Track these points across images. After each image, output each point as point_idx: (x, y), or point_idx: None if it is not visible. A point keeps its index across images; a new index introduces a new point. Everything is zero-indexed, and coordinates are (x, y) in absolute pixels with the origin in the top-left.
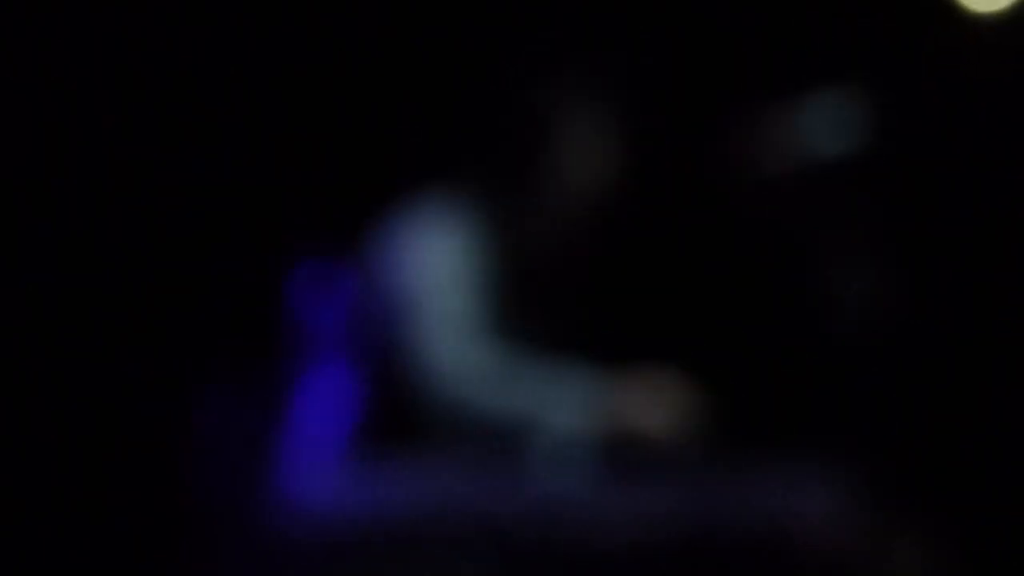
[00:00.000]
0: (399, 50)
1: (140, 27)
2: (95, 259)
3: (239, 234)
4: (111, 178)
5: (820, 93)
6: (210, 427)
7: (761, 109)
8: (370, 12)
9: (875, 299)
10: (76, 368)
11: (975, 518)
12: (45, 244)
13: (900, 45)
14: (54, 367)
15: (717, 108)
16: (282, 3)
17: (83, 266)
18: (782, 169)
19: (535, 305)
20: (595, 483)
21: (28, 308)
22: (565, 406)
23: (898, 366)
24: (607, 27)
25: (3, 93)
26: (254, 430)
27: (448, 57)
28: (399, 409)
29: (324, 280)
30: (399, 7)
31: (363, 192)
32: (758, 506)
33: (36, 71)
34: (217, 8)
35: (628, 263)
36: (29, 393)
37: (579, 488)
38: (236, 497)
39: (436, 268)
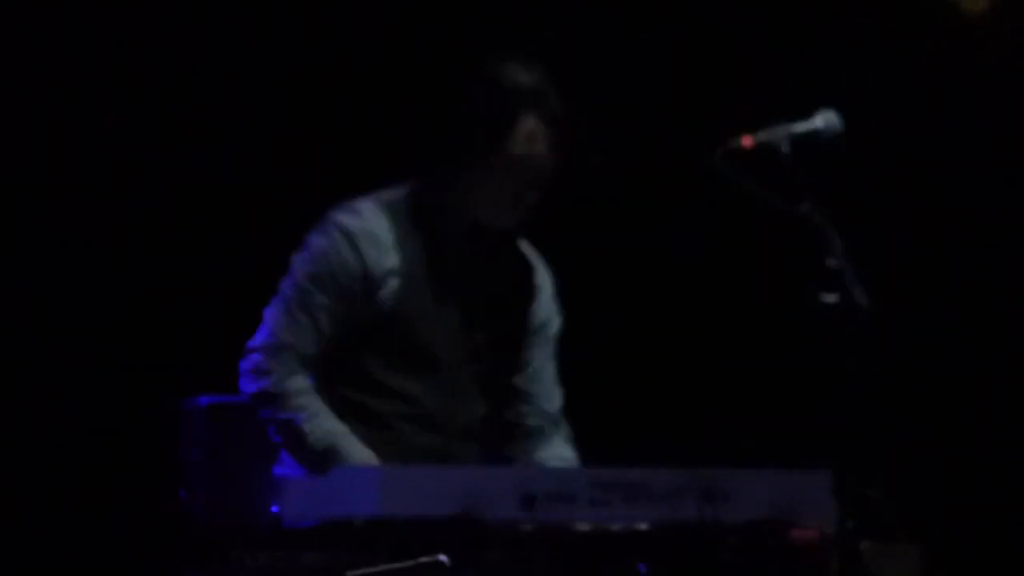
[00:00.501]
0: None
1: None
2: (93, 271)
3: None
4: (109, 181)
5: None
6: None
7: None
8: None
9: (866, 302)
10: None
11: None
12: (44, 248)
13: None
14: (54, 378)
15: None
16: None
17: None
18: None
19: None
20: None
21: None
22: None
23: (893, 368)
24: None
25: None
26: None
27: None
28: None
29: None
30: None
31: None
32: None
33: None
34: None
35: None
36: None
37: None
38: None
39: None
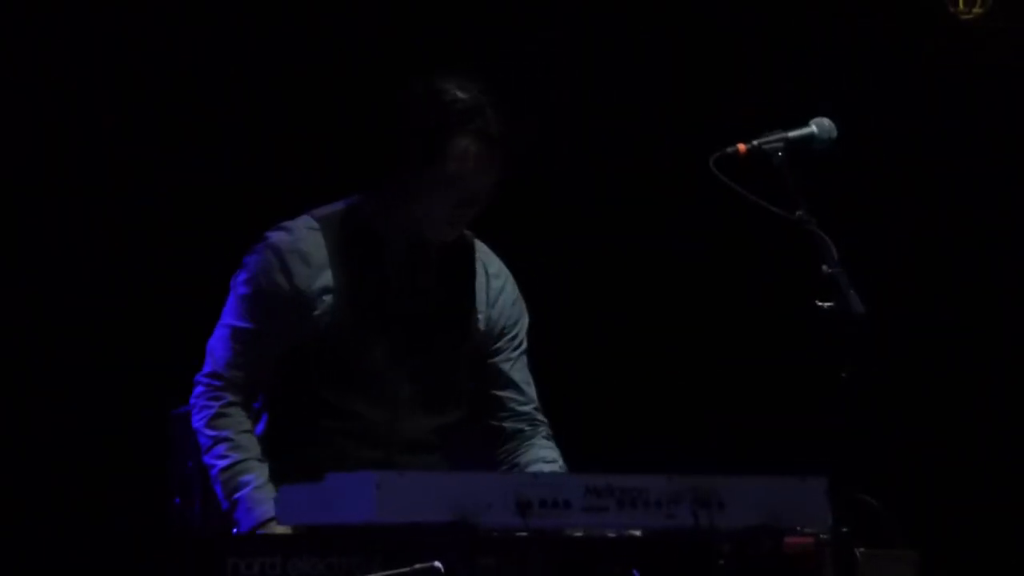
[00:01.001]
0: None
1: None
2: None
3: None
4: (108, 184)
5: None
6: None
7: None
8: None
9: (861, 308)
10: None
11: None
12: (39, 253)
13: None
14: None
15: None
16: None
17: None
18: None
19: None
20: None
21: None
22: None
23: (891, 371)
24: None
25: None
26: None
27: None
28: None
29: None
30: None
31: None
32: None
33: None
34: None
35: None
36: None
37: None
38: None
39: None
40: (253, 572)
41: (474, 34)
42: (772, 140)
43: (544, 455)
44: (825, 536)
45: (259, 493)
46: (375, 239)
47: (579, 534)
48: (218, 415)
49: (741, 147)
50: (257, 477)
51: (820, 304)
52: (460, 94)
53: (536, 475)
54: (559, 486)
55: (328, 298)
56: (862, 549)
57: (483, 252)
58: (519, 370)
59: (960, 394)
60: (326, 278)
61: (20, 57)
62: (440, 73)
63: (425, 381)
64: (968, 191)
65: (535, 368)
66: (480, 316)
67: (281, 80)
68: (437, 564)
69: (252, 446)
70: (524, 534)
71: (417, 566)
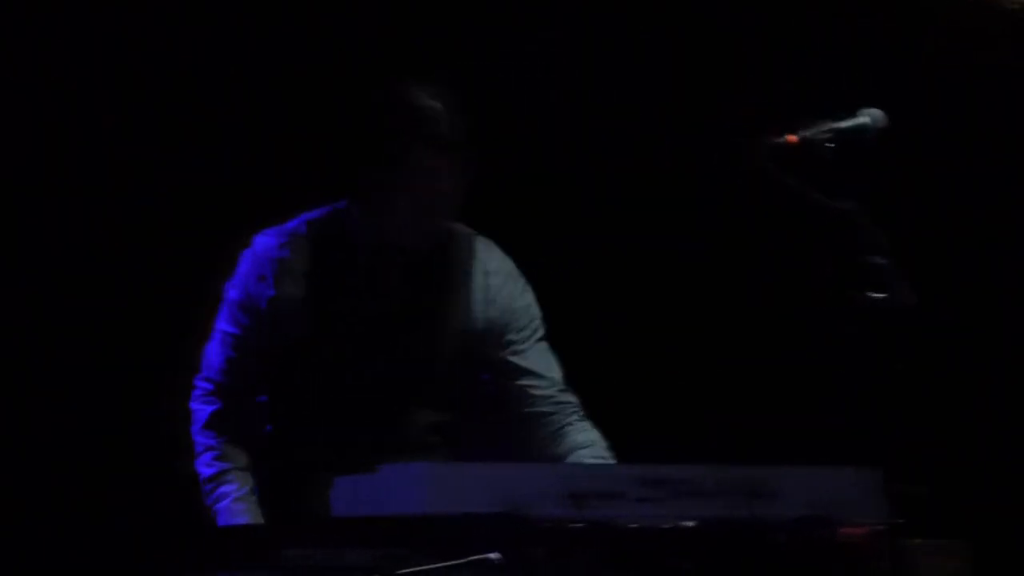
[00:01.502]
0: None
1: None
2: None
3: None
4: (110, 181)
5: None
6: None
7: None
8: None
9: (912, 299)
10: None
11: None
12: (44, 249)
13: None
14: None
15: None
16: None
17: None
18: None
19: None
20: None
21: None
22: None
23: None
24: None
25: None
26: None
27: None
28: None
29: None
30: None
31: None
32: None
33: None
34: None
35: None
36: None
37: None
38: None
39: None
40: (310, 562)
41: (474, 34)
42: (822, 131)
43: (580, 440)
44: (881, 527)
45: (237, 504)
46: (349, 246)
47: (633, 525)
48: (209, 423)
49: (791, 138)
50: (237, 489)
51: (872, 295)
52: (418, 101)
53: (588, 466)
54: (612, 477)
55: (307, 307)
56: (917, 540)
57: (482, 250)
58: (533, 359)
59: (1015, 383)
60: (304, 286)
61: (20, 57)
62: (400, 79)
63: (409, 385)
64: (971, 187)
65: (573, 366)
66: (478, 316)
67: (276, 78)
68: (495, 555)
69: (237, 456)
70: (577, 525)
71: (474, 557)
